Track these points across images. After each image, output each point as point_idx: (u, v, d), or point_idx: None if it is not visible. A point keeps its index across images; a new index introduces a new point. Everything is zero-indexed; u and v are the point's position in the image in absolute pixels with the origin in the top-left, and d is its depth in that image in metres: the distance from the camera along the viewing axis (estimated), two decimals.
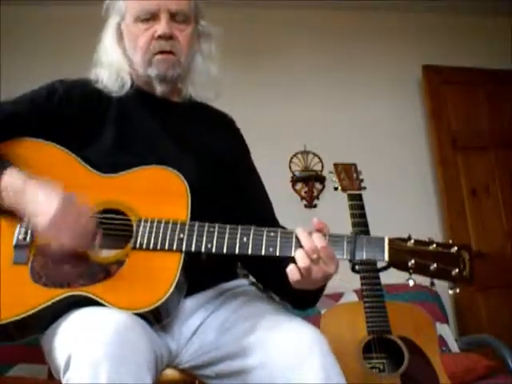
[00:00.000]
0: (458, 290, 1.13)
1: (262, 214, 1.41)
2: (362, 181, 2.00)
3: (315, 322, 1.85)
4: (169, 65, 1.35)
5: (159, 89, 1.38)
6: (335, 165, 2.05)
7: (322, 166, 3.29)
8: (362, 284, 1.85)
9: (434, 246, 1.13)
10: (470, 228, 3.26)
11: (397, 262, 1.13)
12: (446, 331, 2.71)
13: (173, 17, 1.35)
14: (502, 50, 3.42)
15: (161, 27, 1.33)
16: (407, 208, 3.24)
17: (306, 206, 3.28)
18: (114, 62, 1.39)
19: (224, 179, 1.36)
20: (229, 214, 1.25)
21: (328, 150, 3.18)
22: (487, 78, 3.48)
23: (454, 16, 3.57)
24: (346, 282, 2.43)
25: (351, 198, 1.95)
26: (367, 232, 1.87)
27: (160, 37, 1.33)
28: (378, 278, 1.85)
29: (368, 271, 1.85)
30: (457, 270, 1.11)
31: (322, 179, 3.28)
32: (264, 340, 1.14)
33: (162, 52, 1.34)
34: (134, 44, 1.37)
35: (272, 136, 3.21)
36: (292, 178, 3.31)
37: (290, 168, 3.31)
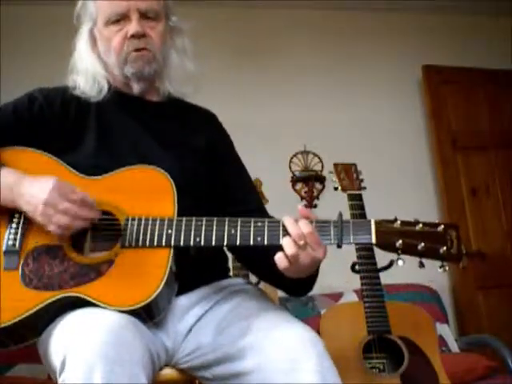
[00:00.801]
0: (447, 268, 1.14)
1: (249, 204, 1.41)
2: (362, 181, 2.00)
3: (315, 322, 1.85)
4: (144, 61, 1.36)
5: (137, 87, 1.39)
6: (335, 165, 2.05)
7: (322, 166, 3.29)
8: (362, 284, 1.85)
9: (421, 225, 1.14)
10: (470, 228, 3.26)
11: (384, 244, 1.13)
12: (446, 331, 2.72)
13: (143, 15, 1.36)
14: (502, 50, 3.42)
15: (132, 27, 1.34)
16: (407, 208, 3.21)
17: (306, 206, 3.27)
18: (90, 67, 1.40)
19: (208, 175, 1.38)
20: (216, 209, 1.27)
21: (328, 150, 3.18)
22: (487, 78, 3.48)
23: (454, 16, 3.57)
24: (345, 282, 2.45)
25: (351, 198, 1.95)
26: None
27: (133, 36, 1.34)
28: (378, 278, 1.85)
29: (368, 271, 1.85)
30: (445, 248, 1.12)
31: (322, 179, 3.28)
32: (260, 342, 1.14)
33: (136, 50, 1.35)
34: (107, 46, 1.38)
35: (272, 136, 3.22)
36: (292, 177, 3.31)
37: (290, 168, 3.31)
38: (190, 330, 1.26)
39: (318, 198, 3.29)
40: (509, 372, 2.36)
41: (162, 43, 1.39)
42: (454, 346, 2.67)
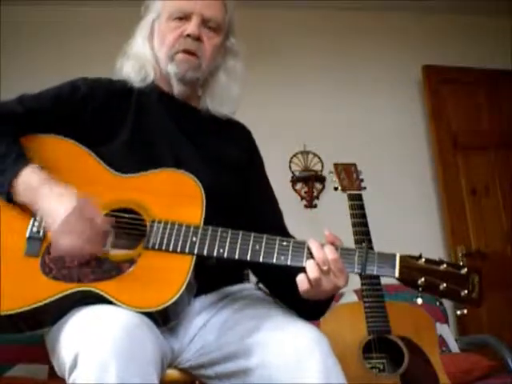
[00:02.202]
0: (465, 311, 1.15)
1: (271, 222, 1.41)
2: (362, 181, 2.00)
3: (315, 322, 1.85)
4: (189, 66, 1.36)
5: (177, 88, 1.39)
6: (335, 165, 2.05)
7: (322, 166, 3.29)
8: (362, 284, 1.85)
9: (445, 265, 1.14)
10: (470, 228, 3.26)
11: (407, 279, 1.14)
12: (446, 331, 2.71)
13: (204, 22, 1.37)
14: (502, 50, 3.42)
15: (190, 27, 1.35)
16: (407, 208, 3.24)
17: (305, 206, 3.28)
18: (141, 54, 1.42)
19: (237, 186, 1.37)
20: (240, 221, 1.26)
21: (328, 150, 3.19)
22: (487, 78, 3.48)
23: (454, 16, 3.57)
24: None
25: (351, 197, 1.95)
26: (367, 232, 1.87)
27: (188, 35, 1.35)
28: (378, 277, 1.85)
29: None
30: (466, 292, 1.12)
31: (322, 179, 3.28)
32: (265, 340, 1.14)
33: (186, 51, 1.36)
34: (161, 40, 1.39)
35: (272, 136, 3.21)
36: (292, 177, 3.31)
37: (290, 168, 3.31)
38: (197, 333, 1.26)
39: (317, 197, 3.30)
40: (509, 372, 2.36)
41: (213, 56, 1.39)
42: (454, 346, 2.67)
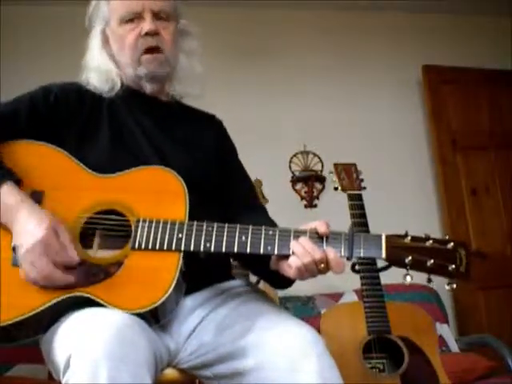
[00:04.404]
0: (454, 286, 1.14)
1: (246, 199, 1.46)
2: (362, 181, 2.00)
3: (315, 321, 1.85)
4: (157, 63, 1.39)
5: (149, 87, 1.41)
6: (335, 165, 2.05)
7: (322, 166, 3.29)
8: (362, 284, 1.85)
9: (431, 242, 1.14)
10: (470, 228, 3.26)
11: (394, 259, 1.13)
12: (446, 331, 2.71)
13: (156, 15, 1.39)
14: (502, 50, 3.42)
15: (146, 24, 1.37)
16: (407, 208, 3.24)
17: (306, 206, 3.28)
18: (102, 65, 1.42)
19: (214, 174, 1.40)
20: (220, 208, 1.32)
21: (328, 150, 3.19)
22: (487, 78, 3.48)
23: (454, 16, 3.57)
24: (345, 282, 2.44)
25: (351, 197, 1.95)
26: (367, 232, 1.87)
27: (146, 34, 1.37)
28: (378, 278, 1.85)
29: (368, 271, 1.85)
30: (453, 266, 1.12)
31: (322, 179, 3.28)
32: (260, 341, 1.15)
33: (149, 50, 1.38)
34: (121, 45, 1.40)
35: (272, 136, 3.22)
36: (292, 177, 3.31)
37: (290, 168, 3.31)
38: (193, 331, 1.26)
39: (317, 197, 3.29)
40: (509, 372, 2.36)
41: (173, 43, 1.42)
42: (454, 346, 2.67)
